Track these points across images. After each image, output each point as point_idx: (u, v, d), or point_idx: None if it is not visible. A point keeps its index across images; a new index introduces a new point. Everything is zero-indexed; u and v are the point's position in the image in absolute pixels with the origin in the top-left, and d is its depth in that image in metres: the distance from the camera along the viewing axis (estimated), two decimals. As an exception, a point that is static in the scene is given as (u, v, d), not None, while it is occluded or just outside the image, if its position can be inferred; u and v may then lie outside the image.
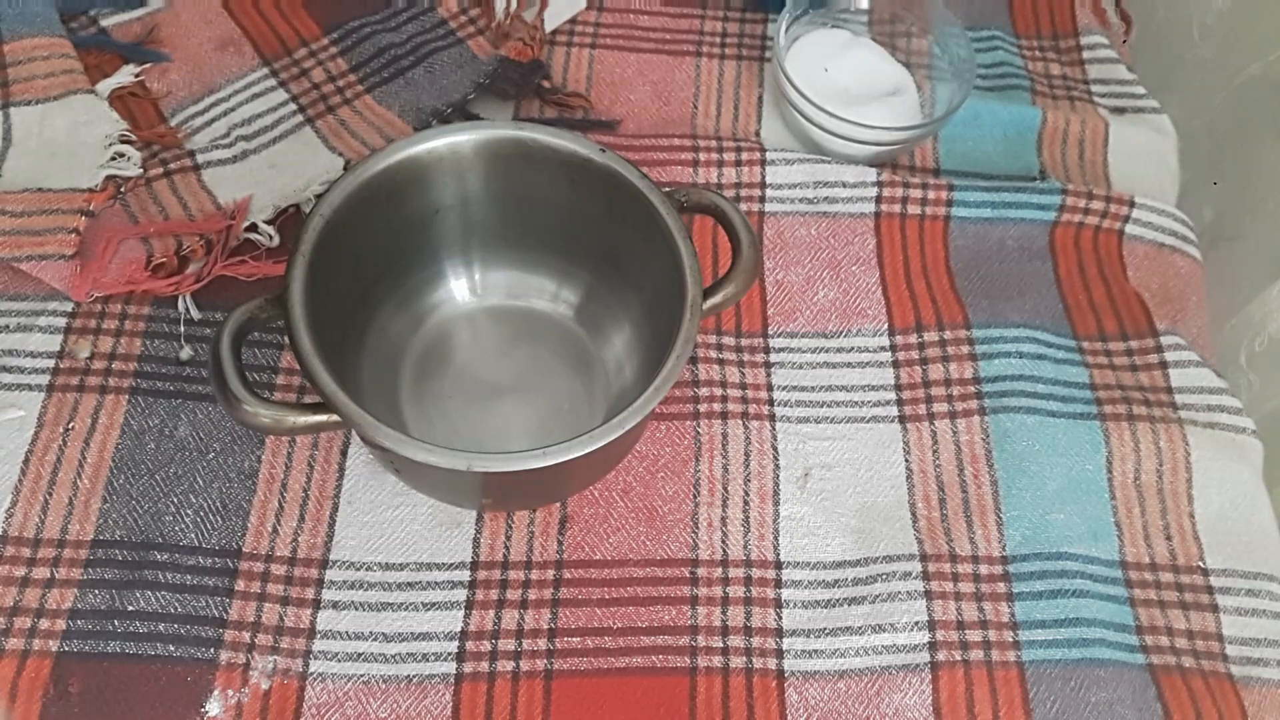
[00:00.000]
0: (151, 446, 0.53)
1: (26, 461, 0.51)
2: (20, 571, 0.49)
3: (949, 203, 0.64)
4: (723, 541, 0.53)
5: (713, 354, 0.58)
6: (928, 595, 0.52)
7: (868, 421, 0.57)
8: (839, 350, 0.59)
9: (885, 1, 0.69)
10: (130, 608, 0.49)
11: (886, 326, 0.60)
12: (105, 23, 0.65)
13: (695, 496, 0.54)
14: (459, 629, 0.50)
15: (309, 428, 0.44)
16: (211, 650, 0.48)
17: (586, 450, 0.44)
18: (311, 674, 0.48)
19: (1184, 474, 0.56)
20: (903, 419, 0.57)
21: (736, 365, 0.58)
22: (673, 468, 0.54)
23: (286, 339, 0.51)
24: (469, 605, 0.50)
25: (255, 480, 0.52)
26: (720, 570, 0.52)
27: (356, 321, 0.54)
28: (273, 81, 0.64)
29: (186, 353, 0.55)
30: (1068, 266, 0.63)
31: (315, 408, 0.44)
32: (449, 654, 0.49)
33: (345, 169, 0.60)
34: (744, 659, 0.50)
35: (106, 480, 0.51)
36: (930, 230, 0.63)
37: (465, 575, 0.51)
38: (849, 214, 0.63)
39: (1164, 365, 0.60)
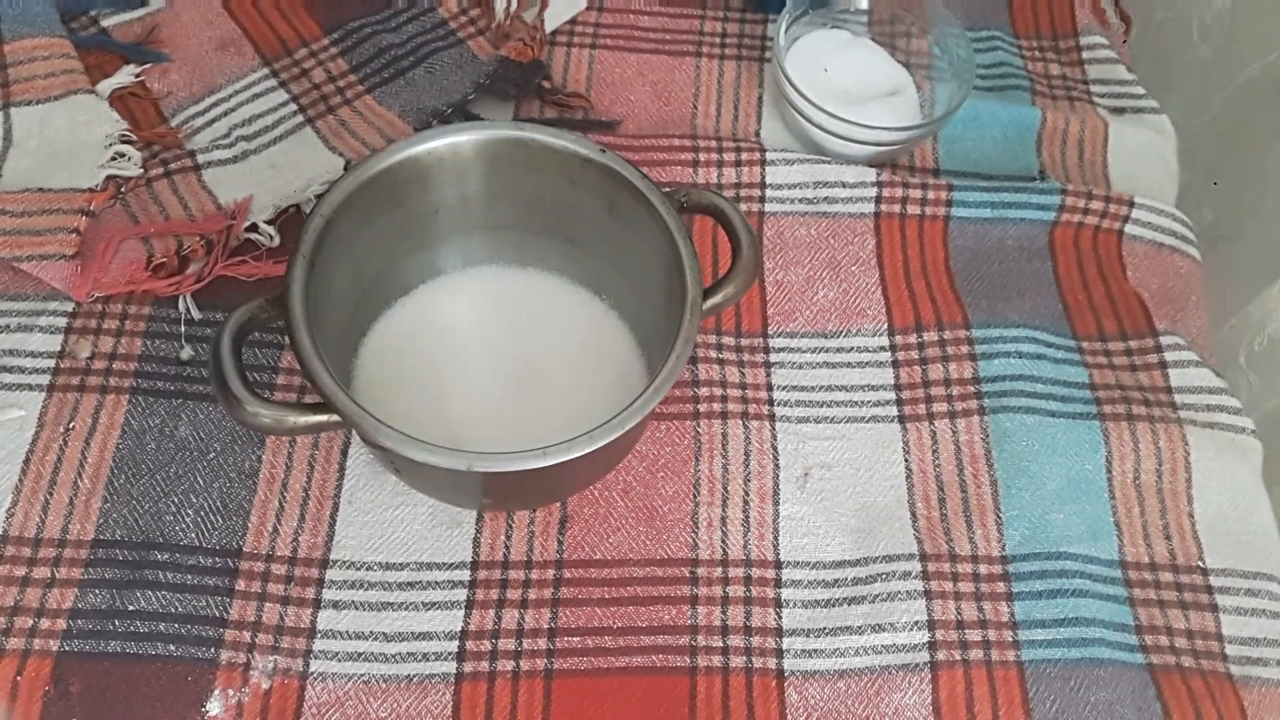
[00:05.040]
0: (152, 446, 0.53)
1: (27, 461, 0.52)
2: (21, 571, 0.49)
3: (949, 203, 0.64)
4: (723, 541, 0.53)
5: (713, 354, 0.58)
6: (927, 595, 0.52)
7: (867, 421, 0.57)
8: (839, 350, 0.59)
9: (885, 1, 0.69)
10: (131, 607, 0.49)
11: (886, 326, 0.60)
12: (106, 23, 0.65)
13: (695, 496, 0.54)
14: (459, 629, 0.50)
15: (309, 428, 0.44)
16: (212, 650, 0.48)
17: (586, 450, 0.44)
18: (312, 673, 0.48)
19: (1183, 474, 0.56)
20: (902, 419, 0.57)
21: (736, 365, 0.58)
22: (673, 468, 0.54)
23: (286, 339, 0.51)
24: (469, 605, 0.50)
25: (255, 480, 0.52)
26: (720, 570, 0.52)
27: (356, 321, 0.54)
28: (273, 81, 0.64)
29: (187, 353, 0.55)
30: (1067, 266, 0.63)
31: (315, 408, 0.44)
32: (449, 654, 0.49)
33: (345, 169, 0.60)
34: (744, 659, 0.50)
35: (107, 480, 0.52)
36: (930, 230, 0.63)
37: (465, 575, 0.51)
38: (849, 214, 0.63)
39: (1163, 365, 0.60)
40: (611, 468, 0.53)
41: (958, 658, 0.50)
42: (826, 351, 0.59)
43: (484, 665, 0.49)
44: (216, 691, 0.47)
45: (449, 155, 0.51)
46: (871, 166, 0.64)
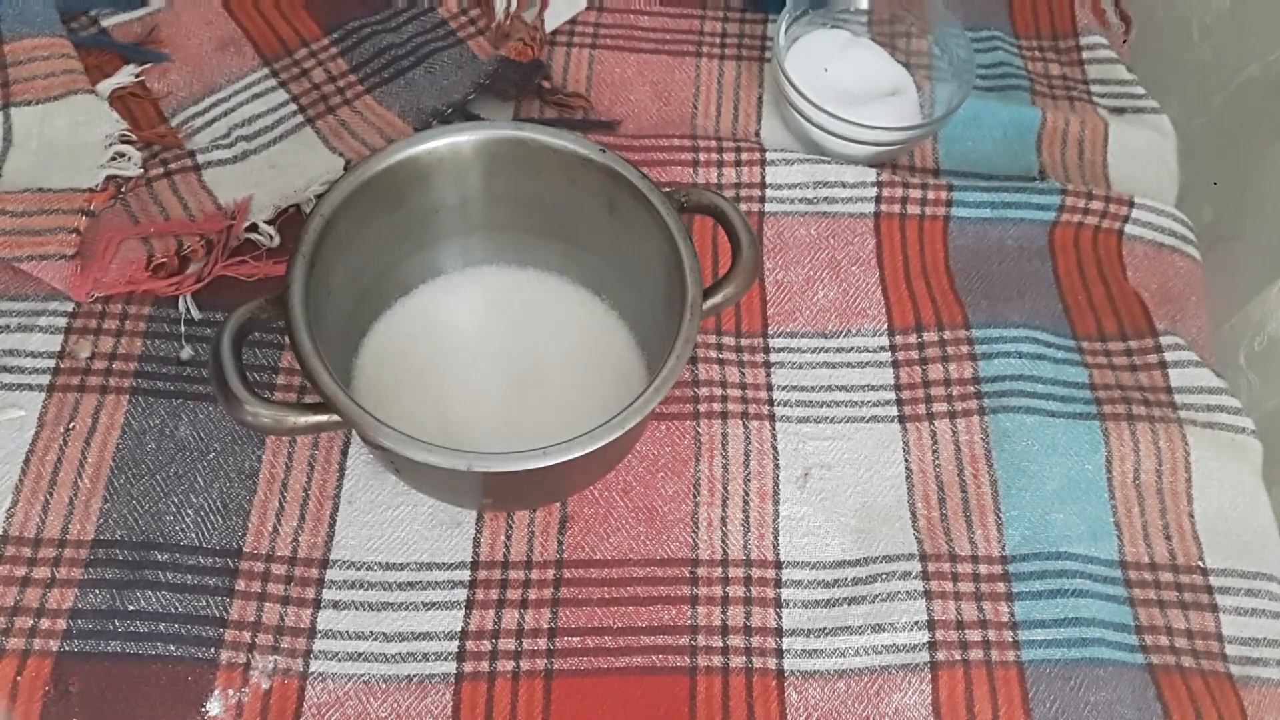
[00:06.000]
0: (152, 446, 0.53)
1: (27, 461, 0.52)
2: (21, 571, 0.49)
3: (949, 203, 0.64)
4: (723, 541, 0.53)
5: (713, 354, 0.58)
6: (927, 595, 0.52)
7: (867, 421, 0.57)
8: (839, 350, 0.59)
9: (885, 1, 0.69)
10: (131, 607, 0.49)
11: (886, 326, 0.60)
12: (105, 23, 0.65)
13: (695, 496, 0.54)
14: (459, 629, 0.50)
15: (309, 428, 0.44)
16: (212, 650, 0.48)
17: (586, 450, 0.44)
18: (312, 673, 0.48)
19: (1183, 474, 0.56)
20: (902, 419, 0.57)
21: (736, 365, 0.58)
22: (673, 468, 0.54)
23: (286, 339, 0.51)
24: (469, 605, 0.50)
25: (255, 480, 0.52)
26: (720, 570, 0.52)
27: (356, 321, 0.54)
28: (273, 82, 0.64)
29: (187, 353, 0.55)
30: (1067, 266, 0.63)
31: (315, 408, 0.44)
32: (449, 654, 0.49)
33: (345, 169, 0.60)
34: (744, 659, 0.50)
35: (107, 480, 0.52)
36: (930, 230, 0.63)
37: (465, 575, 0.51)
38: (849, 214, 0.63)
39: (1163, 365, 0.60)
40: (611, 468, 0.53)
41: (958, 658, 0.50)
42: (826, 351, 0.59)
43: (484, 665, 0.49)
44: (216, 691, 0.47)
45: (449, 155, 0.51)
46: (871, 166, 0.64)
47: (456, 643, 0.49)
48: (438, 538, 0.52)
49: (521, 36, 0.67)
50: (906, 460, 0.56)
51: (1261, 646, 0.53)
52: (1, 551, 0.49)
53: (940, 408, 0.57)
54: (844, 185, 0.64)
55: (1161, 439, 0.56)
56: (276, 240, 0.59)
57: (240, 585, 0.50)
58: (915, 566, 0.52)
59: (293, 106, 0.63)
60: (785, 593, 0.52)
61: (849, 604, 0.52)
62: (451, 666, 0.49)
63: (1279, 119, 0.70)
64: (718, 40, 0.71)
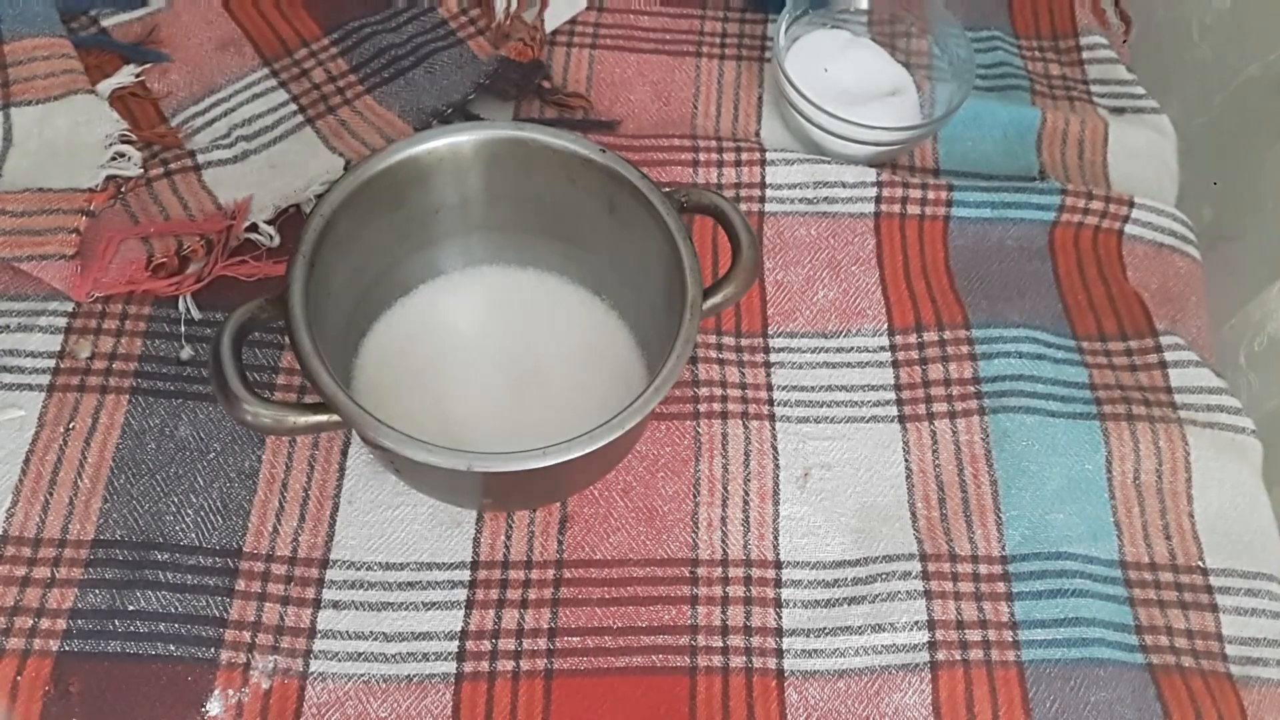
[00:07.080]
0: (152, 446, 0.53)
1: (27, 461, 0.52)
2: (21, 571, 0.49)
3: (949, 203, 0.64)
4: (723, 541, 0.53)
5: (713, 354, 0.58)
6: (927, 595, 0.52)
7: (867, 421, 0.57)
8: (839, 350, 0.59)
9: (885, 1, 0.69)
10: (131, 607, 0.49)
11: (886, 326, 0.60)
12: (105, 23, 0.65)
13: (695, 496, 0.54)
14: (459, 629, 0.50)
15: (309, 428, 0.44)
16: (212, 650, 0.48)
17: (586, 450, 0.44)
18: (312, 673, 0.48)
19: (1183, 474, 0.56)
20: (902, 419, 0.57)
21: (736, 365, 0.58)
22: (673, 468, 0.54)
23: (286, 339, 0.51)
24: (469, 605, 0.50)
25: (255, 480, 0.52)
26: (720, 570, 0.52)
27: (356, 321, 0.54)
28: (273, 82, 0.64)
29: (187, 353, 0.55)
30: (1067, 266, 0.63)
31: (315, 408, 0.44)
32: (449, 654, 0.49)
33: (345, 169, 0.60)
34: (744, 658, 0.50)
35: (107, 480, 0.52)
36: (930, 230, 0.64)
37: (465, 575, 0.51)
38: (849, 214, 0.63)
39: (1163, 365, 0.60)
40: (611, 468, 0.53)
41: (958, 658, 0.50)
42: (826, 351, 0.59)
43: (484, 665, 0.49)
44: (216, 691, 0.47)
45: (449, 155, 0.51)
46: (871, 166, 0.64)
47: (456, 643, 0.49)
48: (438, 538, 0.52)
49: (521, 36, 0.67)
50: (906, 460, 0.56)
51: (1261, 646, 0.53)
52: (1, 551, 0.49)
53: (940, 408, 0.57)
54: (844, 185, 0.64)
55: (1161, 439, 0.56)
56: (276, 240, 0.59)
57: (240, 585, 0.50)
58: (915, 566, 0.52)
59: (293, 106, 0.63)
60: (785, 593, 0.52)
61: (849, 604, 0.52)
62: (451, 666, 0.49)
63: (1279, 119, 0.70)
64: (718, 40, 0.71)
